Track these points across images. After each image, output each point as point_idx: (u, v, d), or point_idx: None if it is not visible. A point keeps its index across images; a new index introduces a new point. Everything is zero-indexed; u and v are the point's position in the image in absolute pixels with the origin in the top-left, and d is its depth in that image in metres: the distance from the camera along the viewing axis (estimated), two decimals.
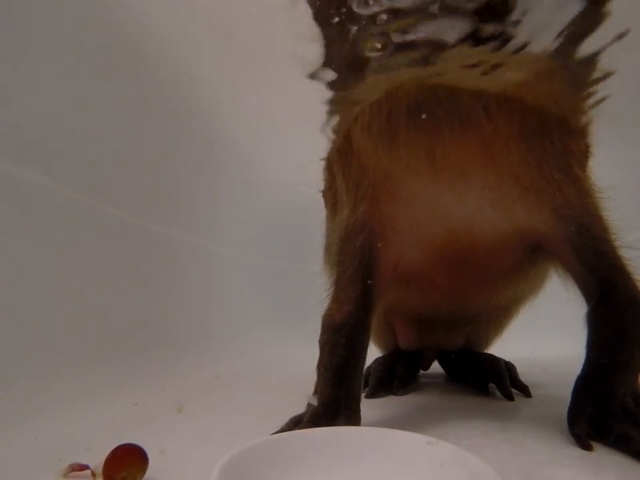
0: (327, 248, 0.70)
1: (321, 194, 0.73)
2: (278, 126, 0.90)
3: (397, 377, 0.71)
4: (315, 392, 0.48)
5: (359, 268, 0.51)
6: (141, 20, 0.65)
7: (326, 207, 0.72)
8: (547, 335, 1.10)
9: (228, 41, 0.62)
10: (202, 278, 1.17)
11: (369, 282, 0.51)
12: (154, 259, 0.94)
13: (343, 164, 0.57)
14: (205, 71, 0.75)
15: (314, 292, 0.56)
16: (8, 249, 0.58)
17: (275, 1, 0.49)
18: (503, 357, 0.73)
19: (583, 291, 0.49)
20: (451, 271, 0.56)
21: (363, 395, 0.66)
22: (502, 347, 0.80)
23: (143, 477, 0.35)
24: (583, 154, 0.54)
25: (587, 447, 0.41)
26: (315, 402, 0.45)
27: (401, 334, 0.75)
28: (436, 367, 0.82)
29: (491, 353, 0.77)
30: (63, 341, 0.64)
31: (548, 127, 0.49)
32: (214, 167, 1.13)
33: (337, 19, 0.43)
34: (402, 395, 0.68)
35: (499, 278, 0.59)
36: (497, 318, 0.73)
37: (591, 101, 0.55)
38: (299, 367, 0.61)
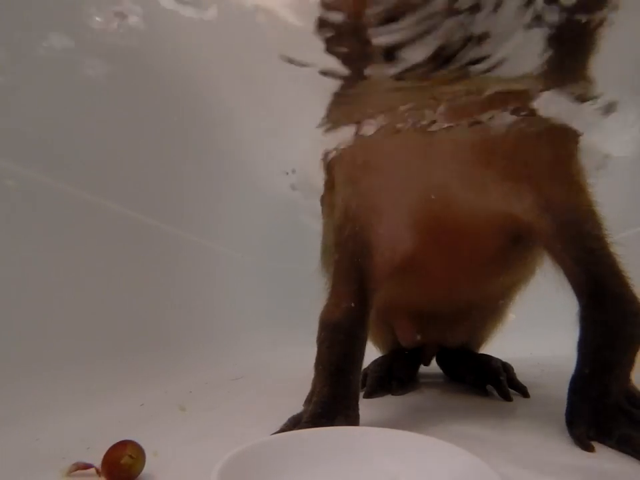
0: (324, 250, 0.70)
1: (320, 200, 0.73)
2: (281, 128, 0.90)
3: (395, 377, 0.71)
4: (312, 392, 0.48)
5: (356, 263, 0.51)
6: (146, 21, 0.66)
7: (323, 211, 0.72)
8: (547, 335, 1.10)
9: (232, 46, 0.62)
10: (204, 279, 1.18)
11: (367, 277, 0.51)
12: (159, 260, 0.95)
13: (340, 161, 0.58)
14: (208, 73, 0.75)
15: (315, 294, 0.56)
16: (12, 248, 0.58)
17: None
18: (503, 357, 0.73)
19: (574, 287, 0.48)
20: (441, 255, 0.56)
21: (360, 395, 0.66)
22: (502, 347, 0.80)
23: (142, 467, 0.36)
24: (576, 147, 0.54)
25: (588, 448, 0.41)
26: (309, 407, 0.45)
27: (400, 330, 0.75)
28: (435, 367, 0.82)
29: (491, 353, 0.77)
30: (65, 342, 0.65)
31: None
32: (217, 168, 1.13)
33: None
34: (400, 394, 0.68)
35: (485, 264, 0.58)
36: (490, 313, 0.73)
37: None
38: (299, 367, 0.62)
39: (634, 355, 0.45)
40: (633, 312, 0.45)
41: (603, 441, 0.42)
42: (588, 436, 0.42)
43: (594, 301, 0.46)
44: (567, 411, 0.46)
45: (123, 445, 0.36)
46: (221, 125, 0.96)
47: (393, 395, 0.68)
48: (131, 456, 0.35)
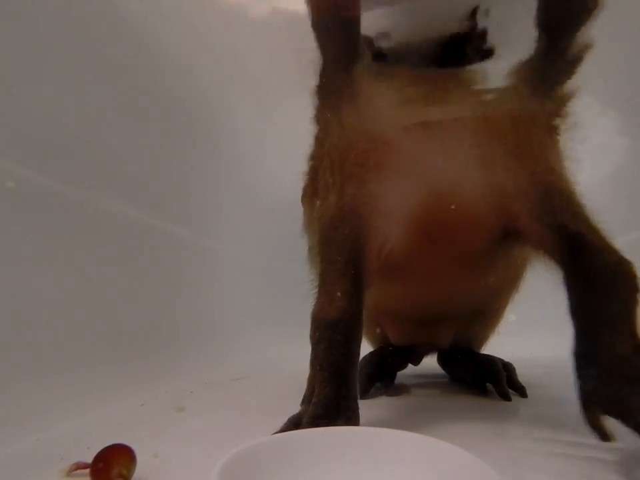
0: (311, 247, 0.69)
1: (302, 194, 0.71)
2: (281, 129, 0.90)
3: (386, 374, 0.71)
4: (310, 392, 0.48)
5: (349, 259, 0.50)
6: (147, 21, 0.66)
7: (304, 205, 0.70)
8: (548, 335, 1.10)
9: (232, 43, 0.62)
10: (204, 279, 1.18)
11: (360, 273, 0.49)
12: (159, 260, 0.95)
13: (329, 144, 0.56)
14: (210, 75, 0.75)
15: (312, 294, 0.56)
16: (11, 248, 0.58)
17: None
18: (504, 358, 0.73)
19: (555, 257, 0.47)
20: (431, 247, 0.55)
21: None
22: (502, 348, 0.80)
23: (132, 472, 0.36)
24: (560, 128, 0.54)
25: (606, 438, 0.38)
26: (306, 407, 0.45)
27: (389, 330, 0.75)
28: (435, 367, 0.82)
29: (491, 353, 0.77)
30: (65, 342, 0.65)
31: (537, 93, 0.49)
32: (217, 167, 1.13)
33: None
34: (392, 394, 0.68)
35: (475, 259, 0.58)
36: (483, 314, 0.73)
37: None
38: (299, 367, 0.61)
39: (628, 306, 0.42)
40: (615, 261, 0.44)
41: (622, 421, 0.38)
42: (605, 410, 0.39)
43: (574, 258, 0.45)
44: (578, 395, 0.42)
45: (111, 457, 0.35)
46: (223, 125, 0.96)
47: (386, 395, 0.68)
48: (121, 476, 0.34)
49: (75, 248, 0.70)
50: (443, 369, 0.82)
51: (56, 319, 0.64)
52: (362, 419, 0.46)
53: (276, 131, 0.96)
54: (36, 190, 0.63)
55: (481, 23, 0.44)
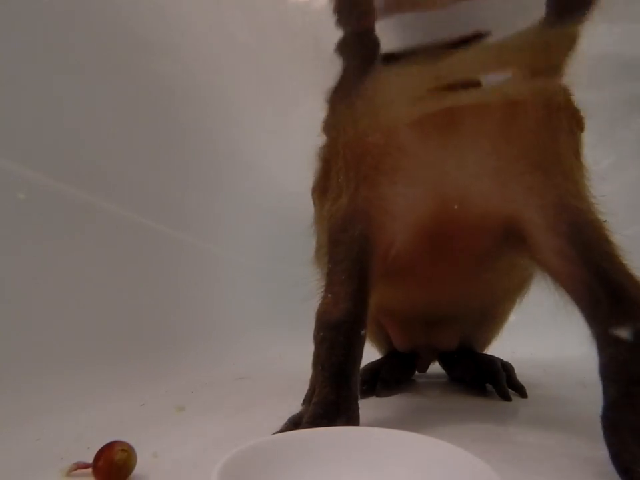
0: (318, 247, 0.69)
1: (311, 191, 0.70)
2: (281, 133, 0.90)
3: (380, 379, 0.70)
4: (311, 392, 0.48)
5: (356, 260, 0.49)
6: (149, 20, 0.66)
7: (314, 203, 0.69)
8: (548, 335, 1.10)
9: (235, 47, 0.62)
10: (204, 280, 1.18)
11: (366, 275, 0.49)
12: (160, 261, 0.95)
13: (344, 145, 0.55)
14: (210, 76, 0.75)
15: (315, 294, 0.56)
16: (11, 249, 0.58)
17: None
18: (504, 358, 0.73)
19: (587, 300, 0.42)
20: (438, 252, 0.54)
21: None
22: (503, 348, 0.80)
23: (135, 463, 0.36)
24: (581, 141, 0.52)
25: None
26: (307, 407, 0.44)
27: (393, 335, 0.75)
28: (436, 367, 0.82)
29: (491, 353, 0.77)
30: (66, 342, 0.65)
31: (561, 100, 0.48)
32: (217, 170, 1.13)
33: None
34: (384, 396, 0.67)
35: (481, 265, 0.57)
36: (487, 318, 0.72)
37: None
38: (299, 367, 0.61)
39: None
40: None
41: None
42: None
43: (617, 313, 0.40)
44: (614, 463, 0.35)
45: (110, 446, 0.35)
46: (224, 129, 0.96)
47: (377, 396, 0.67)
48: (123, 449, 0.35)
49: (76, 249, 0.70)
50: (443, 369, 0.82)
51: (56, 319, 0.64)
52: (362, 419, 0.45)
53: (276, 135, 0.97)
54: (37, 192, 0.63)
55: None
